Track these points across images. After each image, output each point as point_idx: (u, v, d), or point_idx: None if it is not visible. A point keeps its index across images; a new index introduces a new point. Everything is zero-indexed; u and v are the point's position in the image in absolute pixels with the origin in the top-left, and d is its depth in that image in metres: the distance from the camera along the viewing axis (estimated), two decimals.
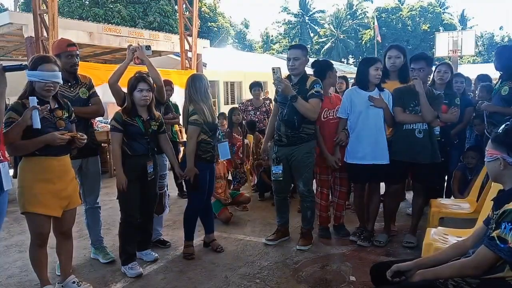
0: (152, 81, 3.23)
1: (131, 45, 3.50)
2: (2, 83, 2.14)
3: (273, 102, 3.90)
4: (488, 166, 1.86)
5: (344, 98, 3.61)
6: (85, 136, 2.70)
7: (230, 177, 5.30)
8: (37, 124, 2.39)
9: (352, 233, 3.82)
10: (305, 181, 3.57)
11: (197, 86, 3.34)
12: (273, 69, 3.30)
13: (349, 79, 5.87)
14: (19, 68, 2.37)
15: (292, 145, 3.50)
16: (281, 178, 3.59)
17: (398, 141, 3.47)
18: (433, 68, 4.11)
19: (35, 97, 2.47)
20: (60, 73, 2.61)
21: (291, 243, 3.75)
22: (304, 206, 3.66)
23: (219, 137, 3.63)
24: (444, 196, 4.55)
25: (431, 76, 4.14)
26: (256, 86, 6.17)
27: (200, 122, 3.29)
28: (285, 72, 3.50)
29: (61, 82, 2.66)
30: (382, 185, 3.73)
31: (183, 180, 3.47)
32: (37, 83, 2.54)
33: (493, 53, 4.14)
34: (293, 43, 41.83)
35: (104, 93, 4.33)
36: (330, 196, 4.03)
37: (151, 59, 3.52)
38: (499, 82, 3.91)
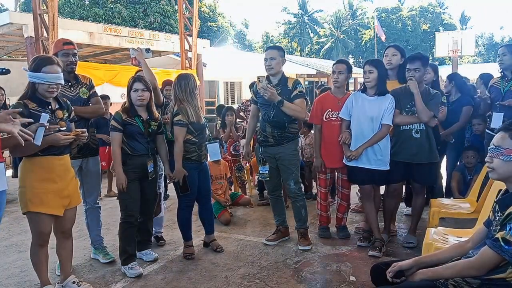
0: (149, 81, 3.23)
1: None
2: None
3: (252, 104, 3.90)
4: (505, 165, 1.73)
5: (347, 100, 3.61)
6: (85, 129, 2.71)
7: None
8: (38, 141, 2.33)
9: (371, 247, 3.49)
10: (295, 179, 3.64)
11: (182, 85, 3.34)
12: (258, 78, 3.42)
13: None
14: (1, 72, 2.32)
15: (279, 144, 3.57)
16: (268, 178, 3.69)
17: (396, 141, 3.48)
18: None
19: (48, 115, 2.42)
20: (62, 74, 2.61)
21: (291, 243, 3.75)
22: (298, 205, 3.68)
23: (208, 137, 3.59)
24: (444, 196, 4.54)
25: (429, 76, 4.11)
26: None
27: (185, 122, 3.29)
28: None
29: (63, 83, 2.66)
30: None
31: (172, 182, 3.45)
32: (40, 85, 2.54)
33: (493, 53, 4.10)
34: (293, 43, 41.93)
35: (103, 92, 4.35)
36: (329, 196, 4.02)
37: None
38: (503, 81, 3.85)
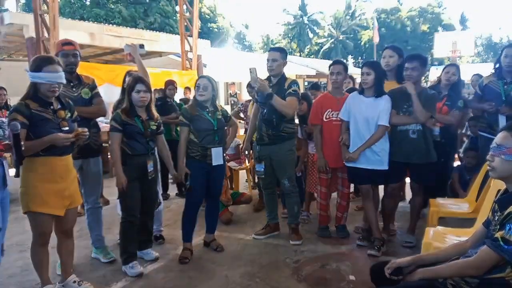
0: (150, 83, 3.25)
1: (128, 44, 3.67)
2: None
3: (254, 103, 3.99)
4: (506, 165, 1.73)
5: (346, 100, 3.62)
6: (87, 129, 2.71)
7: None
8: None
9: (370, 247, 3.51)
10: (290, 178, 3.71)
11: (195, 85, 3.45)
12: (250, 69, 3.46)
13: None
14: None
15: (273, 143, 3.64)
16: (263, 176, 3.80)
17: (393, 142, 3.49)
18: (437, 68, 4.05)
19: (19, 124, 2.32)
20: (63, 73, 2.62)
21: (291, 243, 3.76)
22: (291, 202, 3.76)
23: (215, 140, 3.42)
24: (446, 196, 4.54)
25: (429, 76, 4.12)
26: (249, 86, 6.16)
27: (183, 122, 3.37)
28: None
29: (65, 82, 2.67)
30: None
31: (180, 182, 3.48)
32: (42, 85, 2.54)
33: (492, 53, 4.03)
34: (292, 43, 41.92)
35: (105, 93, 4.36)
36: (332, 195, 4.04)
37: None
38: (502, 83, 3.77)
